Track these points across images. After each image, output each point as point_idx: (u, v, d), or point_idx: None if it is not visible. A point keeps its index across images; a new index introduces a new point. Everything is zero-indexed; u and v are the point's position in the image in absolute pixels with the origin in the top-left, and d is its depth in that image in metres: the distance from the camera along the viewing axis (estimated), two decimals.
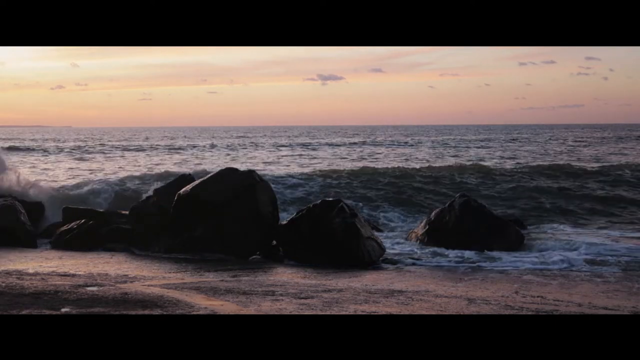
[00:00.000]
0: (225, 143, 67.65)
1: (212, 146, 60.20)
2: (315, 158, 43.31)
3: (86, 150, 51.43)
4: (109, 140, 73.26)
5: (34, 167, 34.51)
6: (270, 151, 52.29)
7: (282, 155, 46.20)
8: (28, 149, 51.64)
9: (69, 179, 26.49)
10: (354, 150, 54.20)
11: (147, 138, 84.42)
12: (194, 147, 58.70)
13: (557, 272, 11.62)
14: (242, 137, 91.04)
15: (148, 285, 8.90)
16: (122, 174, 25.94)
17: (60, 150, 50.67)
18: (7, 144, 56.51)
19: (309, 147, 59.14)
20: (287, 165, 35.72)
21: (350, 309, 7.49)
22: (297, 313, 7.22)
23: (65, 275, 9.82)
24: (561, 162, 33.51)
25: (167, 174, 22.98)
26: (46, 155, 44.69)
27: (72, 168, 34.05)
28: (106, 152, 49.36)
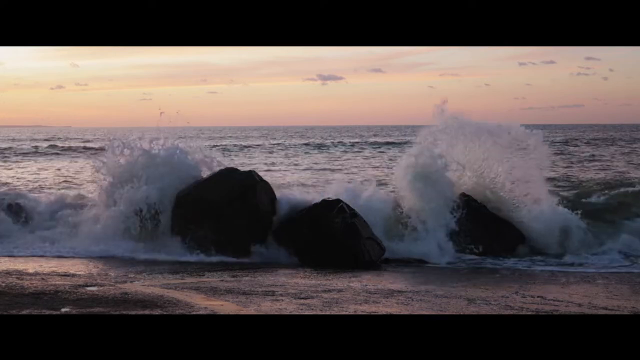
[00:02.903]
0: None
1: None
2: None
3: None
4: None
5: None
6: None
7: None
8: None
9: None
10: None
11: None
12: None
13: (558, 272, 11.61)
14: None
15: (148, 285, 8.91)
16: None
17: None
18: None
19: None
20: None
21: (350, 309, 7.49)
22: (297, 313, 7.22)
23: (65, 275, 9.83)
24: None
25: None
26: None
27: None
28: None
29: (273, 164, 35.80)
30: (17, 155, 43.14)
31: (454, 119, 15.31)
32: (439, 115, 15.24)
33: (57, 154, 45.63)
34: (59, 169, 31.44)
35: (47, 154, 44.94)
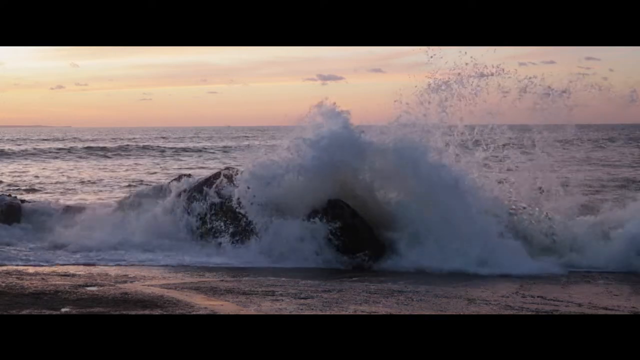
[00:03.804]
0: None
1: None
2: None
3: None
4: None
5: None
6: None
7: None
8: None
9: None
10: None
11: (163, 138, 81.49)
12: None
13: (558, 272, 11.59)
14: None
15: (148, 285, 8.91)
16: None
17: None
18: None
19: None
20: None
21: (350, 309, 7.49)
22: (297, 313, 7.22)
23: (65, 275, 9.82)
24: None
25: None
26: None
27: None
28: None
29: None
30: (48, 154, 43.17)
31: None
32: (435, 60, 12.11)
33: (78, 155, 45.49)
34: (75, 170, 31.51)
35: (58, 153, 44.94)
